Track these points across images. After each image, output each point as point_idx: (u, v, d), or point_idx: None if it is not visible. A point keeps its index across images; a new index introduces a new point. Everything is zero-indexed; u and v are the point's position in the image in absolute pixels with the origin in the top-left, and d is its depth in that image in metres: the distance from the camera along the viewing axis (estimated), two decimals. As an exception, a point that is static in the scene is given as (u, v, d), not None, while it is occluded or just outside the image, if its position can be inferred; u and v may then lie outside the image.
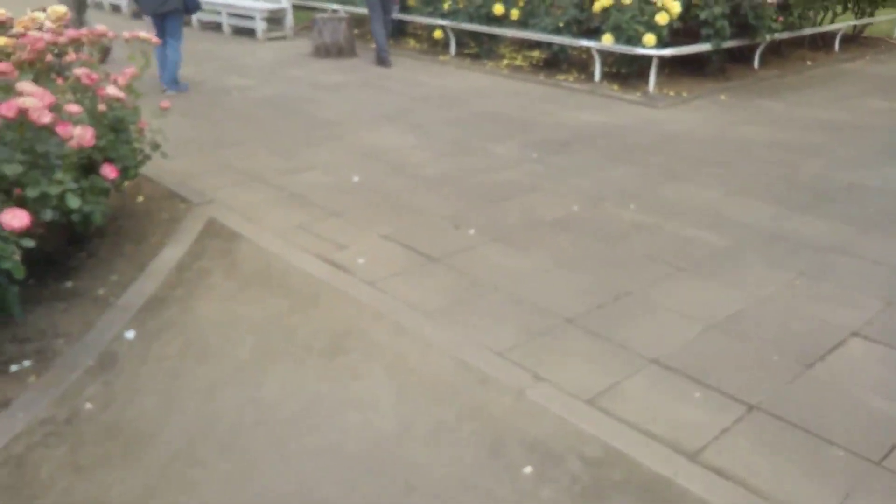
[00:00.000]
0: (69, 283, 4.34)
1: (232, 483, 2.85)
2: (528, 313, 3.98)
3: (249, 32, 13.10)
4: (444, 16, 11.17)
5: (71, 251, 4.68)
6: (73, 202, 3.56)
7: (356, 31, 12.18)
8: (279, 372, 3.49)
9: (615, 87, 9.21)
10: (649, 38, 8.73)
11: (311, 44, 11.70)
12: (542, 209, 5.38)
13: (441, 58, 11.13)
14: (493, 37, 10.96)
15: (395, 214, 5.28)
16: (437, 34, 11.54)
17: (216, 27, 13.66)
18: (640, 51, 8.86)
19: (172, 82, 8.86)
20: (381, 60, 10.72)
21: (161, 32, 8.66)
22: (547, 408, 3.24)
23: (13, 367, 3.58)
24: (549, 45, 10.08)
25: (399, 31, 12.48)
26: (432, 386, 3.38)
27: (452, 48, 11.31)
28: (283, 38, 13.05)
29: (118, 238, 4.91)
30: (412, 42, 12.41)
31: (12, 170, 3.34)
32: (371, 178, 5.99)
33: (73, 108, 3.89)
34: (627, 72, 9.41)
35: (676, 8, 8.75)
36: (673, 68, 9.79)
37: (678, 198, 5.64)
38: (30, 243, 3.18)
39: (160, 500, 2.78)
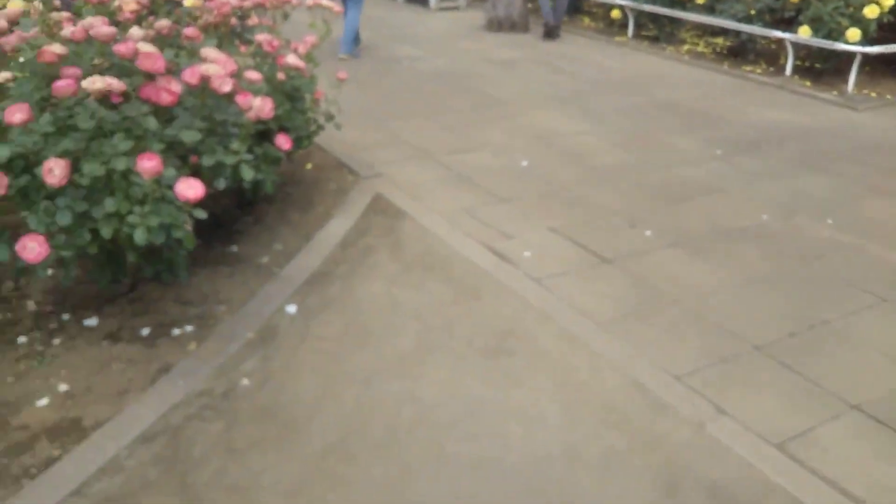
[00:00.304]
0: (234, 248, 4.33)
1: (384, 487, 2.69)
2: (711, 334, 3.62)
3: (422, 1, 13.01)
4: (624, -5, 10.69)
5: (238, 215, 4.68)
6: (248, 174, 3.48)
7: (529, 6, 11.85)
8: (439, 367, 3.31)
9: (807, 83, 8.48)
10: (853, 33, 7.95)
11: (483, 16, 11.47)
12: (727, 215, 4.95)
13: (617, 38, 10.64)
14: (674, 20, 10.37)
15: (565, 206, 4.99)
16: (615, 14, 11.05)
17: (391, -6, 13.68)
18: (841, 46, 8.09)
19: (348, 44, 8.90)
20: (546, 31, 10.45)
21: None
22: (730, 447, 2.90)
23: (175, 331, 3.58)
24: (737, 33, 9.42)
25: (574, 8, 12.06)
26: (602, 406, 3.10)
27: (630, 29, 10.79)
28: (456, 8, 12.90)
29: (285, 205, 4.87)
30: (587, 20, 11.96)
31: (190, 137, 3.29)
32: (541, 164, 5.72)
33: (253, 75, 3.82)
34: (822, 68, 8.65)
35: (890, 0, 7.93)
36: (875, 67, 8.92)
37: (883, 217, 5.05)
38: (202, 214, 3.12)
39: (309, 495, 2.66)
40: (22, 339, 3.51)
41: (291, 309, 3.76)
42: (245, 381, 3.24)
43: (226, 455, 2.83)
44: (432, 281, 4.00)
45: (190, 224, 3.11)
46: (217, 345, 3.48)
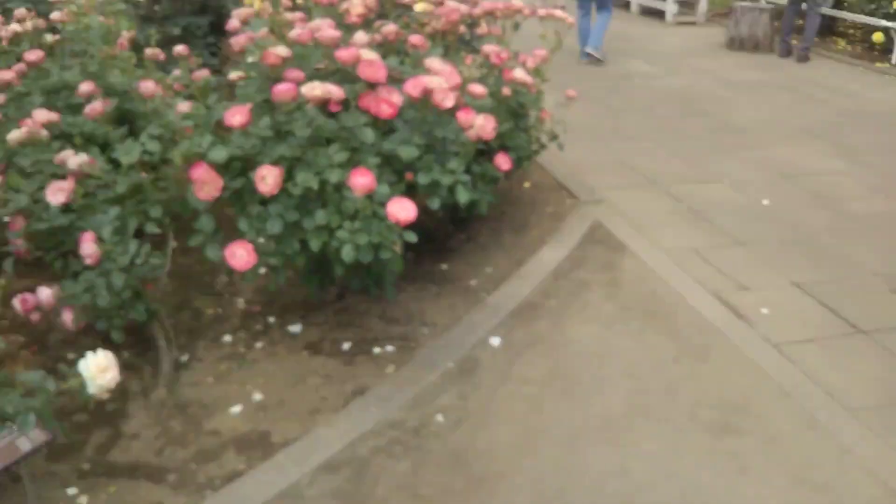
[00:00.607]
0: (444, 266, 4.14)
1: (580, 576, 2.35)
2: None
3: (658, 14, 12.44)
4: (889, 16, 9.57)
5: (451, 231, 4.49)
6: (463, 196, 3.25)
7: (776, 24, 10.95)
8: (654, 438, 2.90)
9: None
10: None
11: (723, 33, 10.76)
12: None
13: (878, 65, 9.54)
14: (951, 48, 9.18)
15: (813, 258, 4.37)
16: (877, 37, 9.92)
17: (624, 5, 13.15)
18: None
19: (598, 39, 9.00)
20: (781, 52, 9.82)
21: (586, 6, 8.89)
22: None
23: (376, 350, 3.43)
24: None
25: (828, 29, 11.01)
26: (850, 517, 2.58)
27: (895, 55, 9.66)
28: (694, 23, 12.21)
29: (499, 224, 4.63)
30: (841, 43, 10.87)
31: (408, 153, 3.10)
32: (785, 205, 5.10)
33: (478, 89, 3.58)
34: None
35: None
36: None
37: None
38: (412, 238, 2.91)
39: (495, 569, 2.37)
40: (227, 339, 3.50)
41: (495, 341, 3.49)
42: (439, 418, 3.00)
43: (408, 502, 2.60)
44: (652, 331, 3.59)
45: (399, 246, 2.91)
46: (415, 372, 3.28)
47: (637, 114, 7.14)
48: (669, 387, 3.19)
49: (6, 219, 3.00)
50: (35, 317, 2.83)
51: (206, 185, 2.80)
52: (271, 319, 3.64)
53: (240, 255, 2.79)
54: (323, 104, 3.05)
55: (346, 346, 3.44)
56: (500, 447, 2.86)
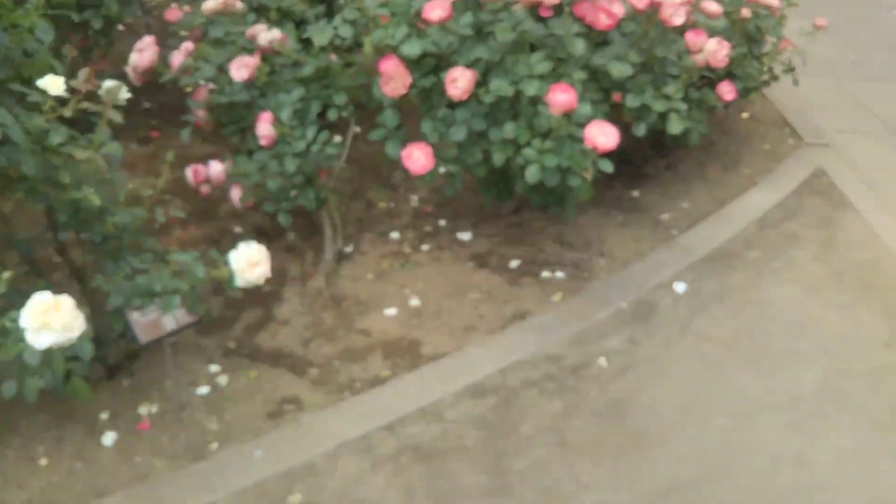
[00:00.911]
0: (635, 193, 3.82)
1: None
2: None
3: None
4: None
5: (650, 155, 4.12)
6: (676, 126, 2.88)
7: None
8: (844, 430, 2.53)
9: None
10: None
11: None
12: None
13: None
14: None
15: None
16: None
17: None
18: None
19: None
20: None
21: None
22: None
23: (544, 273, 3.22)
24: None
25: None
26: None
27: None
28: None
29: (706, 156, 4.20)
30: None
31: (620, 71, 2.76)
32: None
33: (713, 7, 3.14)
34: None
35: None
36: None
37: None
38: (608, 167, 2.62)
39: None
40: (394, 235, 3.41)
41: (680, 287, 3.18)
42: (602, 361, 2.78)
43: (554, 448, 2.43)
44: (865, 306, 3.12)
45: (591, 173, 2.63)
46: (584, 305, 3.05)
47: (888, 51, 6.23)
48: (874, 374, 2.76)
49: (201, 82, 2.97)
50: (205, 189, 2.82)
51: (394, 80, 2.63)
52: (442, 223, 3.50)
53: (417, 157, 2.64)
54: (534, 6, 2.75)
55: (513, 263, 3.26)
56: (665, 407, 2.60)
